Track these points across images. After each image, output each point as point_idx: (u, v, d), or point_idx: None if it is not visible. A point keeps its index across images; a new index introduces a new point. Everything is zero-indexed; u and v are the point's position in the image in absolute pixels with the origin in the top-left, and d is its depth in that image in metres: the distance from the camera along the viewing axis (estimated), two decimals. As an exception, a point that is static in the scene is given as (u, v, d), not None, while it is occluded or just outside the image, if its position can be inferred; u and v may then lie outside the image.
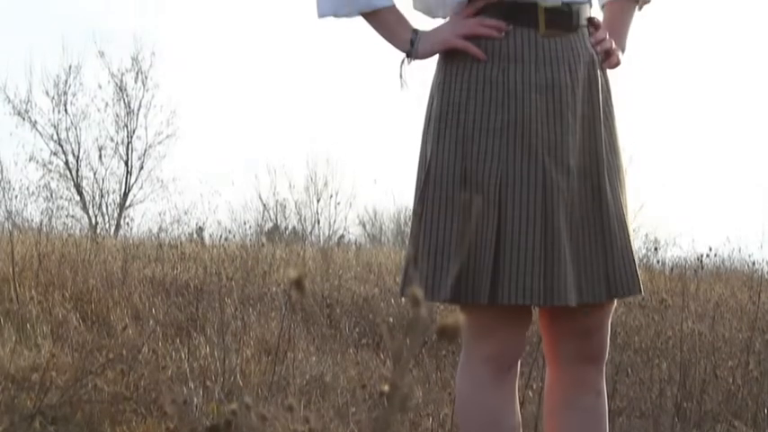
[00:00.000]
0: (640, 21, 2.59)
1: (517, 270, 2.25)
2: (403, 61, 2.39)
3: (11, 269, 6.14)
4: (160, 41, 26.42)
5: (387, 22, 2.38)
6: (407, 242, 2.42)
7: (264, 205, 26.74)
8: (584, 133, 2.34)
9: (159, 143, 25.71)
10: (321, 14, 2.40)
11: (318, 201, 27.15)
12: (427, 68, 2.42)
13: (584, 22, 2.40)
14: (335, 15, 2.39)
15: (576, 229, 2.30)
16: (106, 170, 25.60)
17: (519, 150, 2.28)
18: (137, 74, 25.60)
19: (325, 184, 27.26)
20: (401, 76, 2.40)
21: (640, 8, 2.60)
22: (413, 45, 2.37)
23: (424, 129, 2.40)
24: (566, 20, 2.37)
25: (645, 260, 10.59)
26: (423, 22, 2.42)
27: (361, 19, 2.39)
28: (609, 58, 2.45)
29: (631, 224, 2.44)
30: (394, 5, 2.38)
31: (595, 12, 2.49)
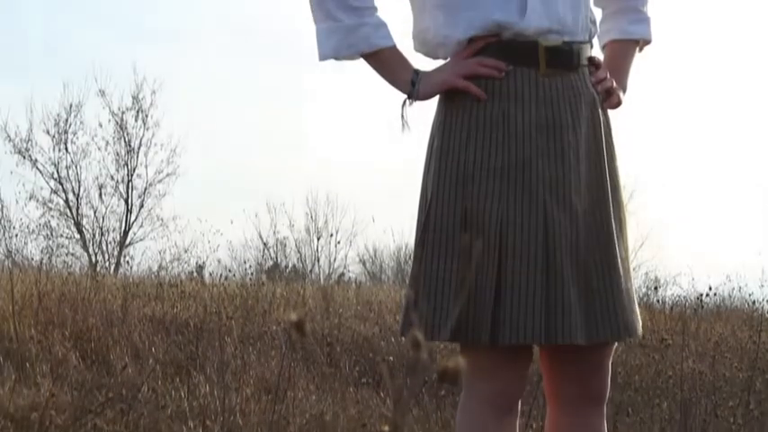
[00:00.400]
0: (641, 61, 2.61)
1: (518, 310, 2.25)
2: (404, 102, 2.40)
3: (11, 308, 6.13)
4: (161, 79, 26.49)
5: (388, 63, 2.39)
6: (408, 281, 2.42)
7: (265, 244, 26.74)
8: (589, 172, 2.34)
9: (159, 181, 25.75)
10: (322, 57, 2.41)
11: (318, 239, 27.15)
12: (428, 108, 2.44)
13: (584, 61, 2.41)
14: (336, 58, 2.40)
15: (581, 268, 2.30)
16: (106, 208, 25.62)
17: (520, 190, 2.28)
18: (137, 112, 25.67)
19: (326, 223, 27.28)
20: (403, 117, 2.41)
21: (641, 50, 2.62)
22: (414, 86, 2.38)
23: (425, 169, 2.41)
24: (566, 59, 2.38)
25: (645, 299, 10.58)
26: (424, 64, 2.44)
27: (362, 61, 2.40)
28: (610, 98, 2.46)
29: (631, 263, 2.45)
30: (395, 46, 2.39)
31: (596, 51, 2.51)
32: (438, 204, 2.33)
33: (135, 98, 25.71)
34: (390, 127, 2.43)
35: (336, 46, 2.37)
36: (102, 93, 25.61)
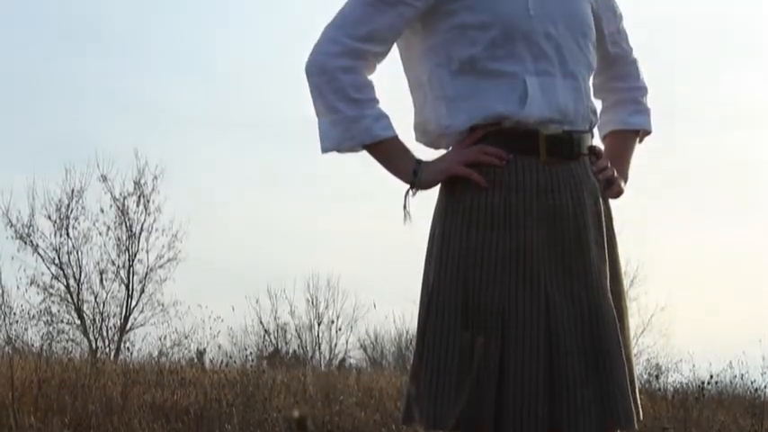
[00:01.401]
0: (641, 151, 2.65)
1: (522, 399, 2.25)
2: (407, 193, 2.41)
3: (10, 395, 6.10)
4: (163, 165, 26.58)
5: (390, 154, 2.41)
6: (410, 368, 2.42)
7: (265, 330, 26.65)
8: (592, 260, 2.36)
9: (160, 267, 25.72)
10: (325, 149, 2.42)
11: (319, 324, 27.08)
12: (431, 195, 2.45)
13: (585, 150, 2.44)
14: (339, 150, 2.41)
15: (584, 355, 2.31)
16: (107, 294, 25.57)
17: (521, 279, 2.29)
18: (139, 198, 25.72)
19: (326, 308, 27.21)
20: (405, 207, 2.42)
21: (641, 140, 2.66)
22: (416, 175, 2.39)
23: (427, 256, 2.42)
24: (567, 148, 2.40)
25: (647, 386, 10.52)
26: (426, 154, 2.46)
27: (364, 152, 2.42)
28: (611, 187, 2.48)
29: (633, 349, 2.45)
30: (396, 137, 2.41)
31: (596, 141, 2.53)
32: (440, 291, 2.34)
33: (137, 183, 25.79)
34: (394, 214, 2.45)
35: (338, 138, 2.39)
36: (104, 178, 25.70)
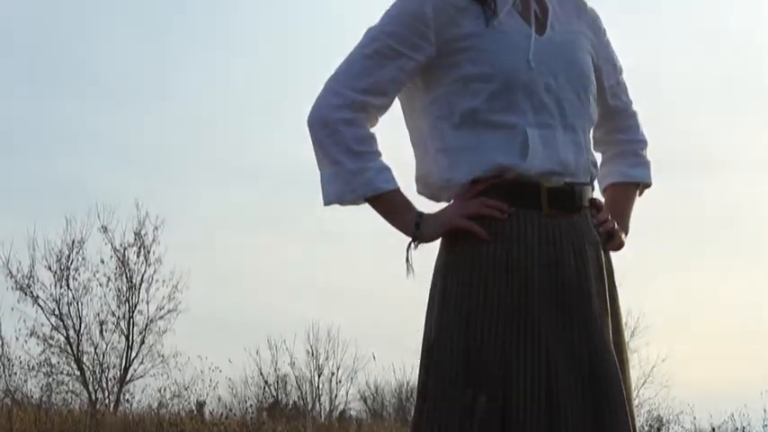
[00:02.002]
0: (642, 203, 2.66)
1: None
2: (409, 246, 2.42)
3: (10, 447, 6.08)
4: (164, 215, 26.58)
5: (392, 207, 2.41)
6: (410, 422, 2.41)
7: (266, 381, 26.54)
8: (595, 311, 2.36)
9: (161, 318, 25.64)
10: (327, 202, 2.43)
11: (320, 375, 26.97)
12: (432, 248, 2.46)
13: (586, 203, 2.44)
14: (341, 202, 2.42)
15: (585, 409, 2.30)
16: (107, 345, 25.46)
17: (522, 332, 2.29)
18: (139, 249, 25.69)
19: (327, 359, 27.12)
20: (407, 260, 2.43)
21: (641, 193, 2.67)
22: (418, 228, 2.40)
23: (428, 309, 2.42)
24: (568, 200, 2.41)
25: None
26: (427, 206, 2.46)
27: (366, 205, 2.42)
28: (612, 240, 2.49)
29: (634, 400, 2.45)
30: (398, 189, 2.41)
31: (597, 194, 2.53)
32: (441, 346, 2.34)
33: (137, 234, 25.76)
34: (395, 265, 2.46)
35: (340, 191, 2.40)
36: (105, 229, 25.66)
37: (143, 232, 25.87)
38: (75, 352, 25.43)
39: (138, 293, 25.75)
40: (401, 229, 2.42)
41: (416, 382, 2.40)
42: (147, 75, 33.24)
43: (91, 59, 32.47)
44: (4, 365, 23.96)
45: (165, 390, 23.44)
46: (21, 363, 24.27)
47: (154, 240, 25.87)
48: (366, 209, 2.44)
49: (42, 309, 25.33)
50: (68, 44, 32.72)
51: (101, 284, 25.63)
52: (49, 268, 25.41)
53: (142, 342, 25.69)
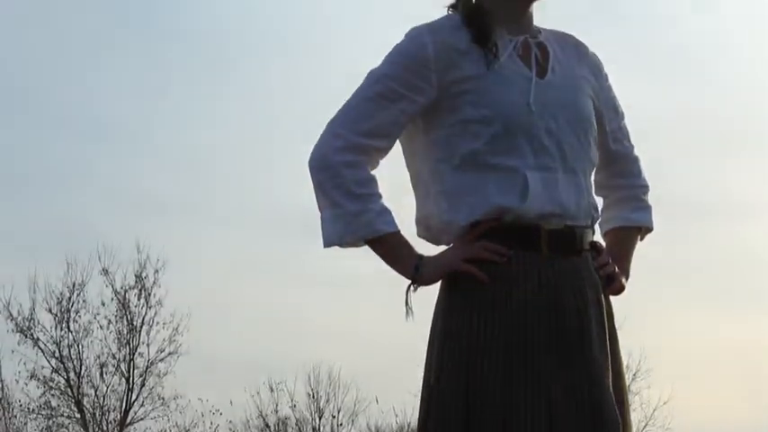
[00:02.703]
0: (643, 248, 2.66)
1: None
2: (409, 288, 2.42)
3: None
4: (165, 257, 26.56)
5: (392, 249, 2.42)
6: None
7: (266, 423, 26.44)
8: (595, 354, 2.35)
9: (161, 360, 25.60)
10: (327, 244, 2.43)
11: (320, 418, 26.86)
12: (433, 290, 2.46)
13: (586, 246, 2.44)
14: (341, 244, 2.42)
15: None
16: (107, 387, 25.41)
17: (523, 374, 2.28)
18: (140, 291, 25.67)
19: (327, 401, 27.02)
20: (407, 303, 2.43)
21: (642, 238, 2.67)
22: (418, 271, 2.40)
23: (429, 351, 2.41)
24: (568, 243, 2.41)
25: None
26: (427, 249, 2.46)
27: (366, 247, 2.43)
28: (612, 284, 2.49)
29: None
30: (398, 231, 2.41)
31: (597, 237, 2.53)
32: (441, 389, 2.33)
33: (138, 277, 25.76)
34: (395, 307, 2.46)
35: (340, 232, 2.40)
36: (106, 271, 25.67)
37: (144, 275, 25.87)
38: (75, 394, 25.35)
39: (139, 336, 25.72)
40: (401, 272, 2.42)
41: (417, 424, 2.40)
42: (149, 118, 33.34)
43: (93, 103, 32.59)
44: (4, 408, 23.90)
45: (165, 433, 23.36)
46: (21, 405, 24.24)
47: (155, 283, 25.87)
48: (366, 251, 2.44)
49: (43, 351, 25.29)
50: (70, 87, 32.85)
51: (101, 327, 25.61)
52: (50, 311, 25.40)
53: (143, 384, 25.63)
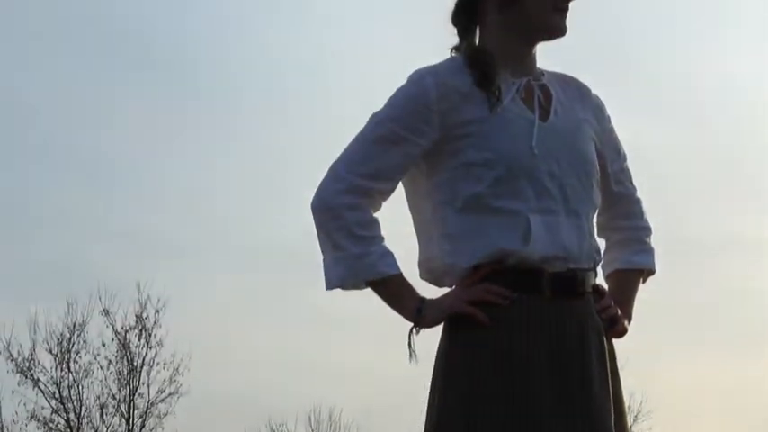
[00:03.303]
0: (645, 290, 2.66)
1: None
2: (411, 330, 2.41)
3: None
4: (165, 297, 26.55)
5: (394, 292, 2.42)
6: None
7: (267, 465, 26.30)
8: (597, 397, 2.35)
9: (161, 401, 25.52)
10: (329, 286, 2.43)
11: (321, 460, 26.73)
12: (435, 332, 2.45)
13: (589, 288, 2.44)
14: (343, 287, 2.42)
15: None
16: (107, 428, 25.31)
17: (524, 418, 2.28)
18: (140, 331, 25.63)
19: (328, 443, 26.89)
20: (410, 345, 2.42)
21: (644, 280, 2.66)
22: (420, 313, 2.40)
23: (431, 394, 2.40)
24: (571, 286, 2.40)
25: None
26: (430, 291, 2.46)
27: (369, 290, 2.43)
28: (615, 326, 2.48)
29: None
30: (401, 274, 2.41)
31: (600, 280, 2.53)
32: (443, 429, 2.33)
33: (138, 317, 25.73)
34: (397, 348, 2.45)
35: (343, 275, 2.40)
36: (106, 312, 25.64)
37: (145, 315, 25.84)
38: (75, 435, 25.21)
39: (139, 376, 25.66)
40: (403, 314, 2.42)
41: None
42: (151, 159, 33.41)
43: (95, 144, 32.67)
44: (3, 450, 23.76)
45: (165, 475, 23.25)
46: (20, 446, 24.08)
47: (155, 323, 25.84)
48: (369, 292, 2.44)
49: (43, 392, 25.22)
50: (70, 129, 32.92)
51: (102, 367, 25.55)
52: (50, 351, 25.35)
53: (143, 425, 25.54)
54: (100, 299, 25.81)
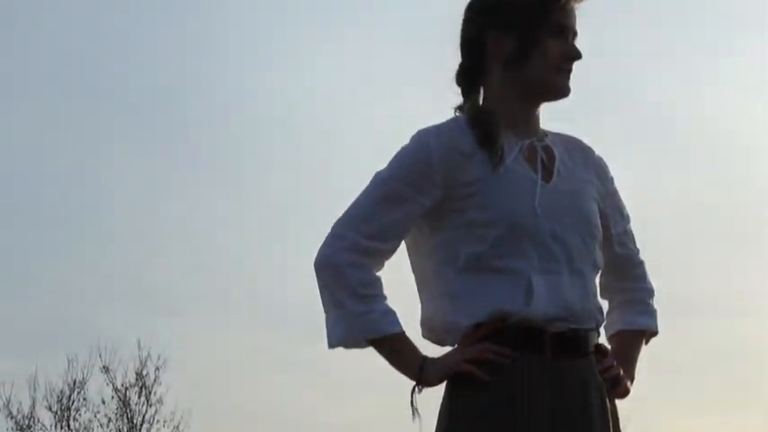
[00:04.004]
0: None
1: None
2: (414, 389, 2.41)
3: None
4: (165, 355, 26.48)
5: (396, 350, 2.41)
6: None
7: None
8: None
9: (161, 459, 25.36)
10: (331, 345, 2.43)
11: None
12: (438, 391, 2.45)
13: (591, 348, 2.44)
14: (345, 346, 2.43)
15: None
16: (106, 488, 25.14)
17: None
18: (141, 389, 25.54)
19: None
20: (412, 404, 2.41)
21: (647, 342, 2.66)
22: (422, 372, 2.39)
23: (433, 456, 2.41)
24: (573, 346, 2.40)
25: None
26: (432, 350, 2.46)
27: (371, 348, 2.42)
28: (617, 387, 2.48)
29: None
30: (402, 333, 2.41)
31: (602, 340, 2.53)
32: None
33: (138, 375, 25.64)
34: (399, 407, 2.45)
35: (345, 334, 2.40)
36: (106, 369, 25.55)
37: (145, 372, 25.76)
38: (73, 495, 25.07)
39: (139, 434, 25.49)
40: (405, 373, 2.42)
41: None
42: (152, 215, 33.43)
43: (94, 200, 32.70)
44: None
45: None
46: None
47: (156, 380, 25.75)
48: (371, 351, 2.44)
49: (42, 450, 25.06)
50: (68, 186, 33.00)
51: (101, 425, 25.43)
52: (50, 408, 25.24)
53: (142, 485, 25.35)
54: (100, 356, 25.74)
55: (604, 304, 2.60)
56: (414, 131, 2.48)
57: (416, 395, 2.41)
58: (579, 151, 2.58)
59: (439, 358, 2.42)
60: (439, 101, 2.59)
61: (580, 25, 2.51)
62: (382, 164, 2.48)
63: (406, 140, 2.48)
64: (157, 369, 25.80)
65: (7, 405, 24.90)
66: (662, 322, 2.67)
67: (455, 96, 2.55)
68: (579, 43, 2.51)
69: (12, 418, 24.88)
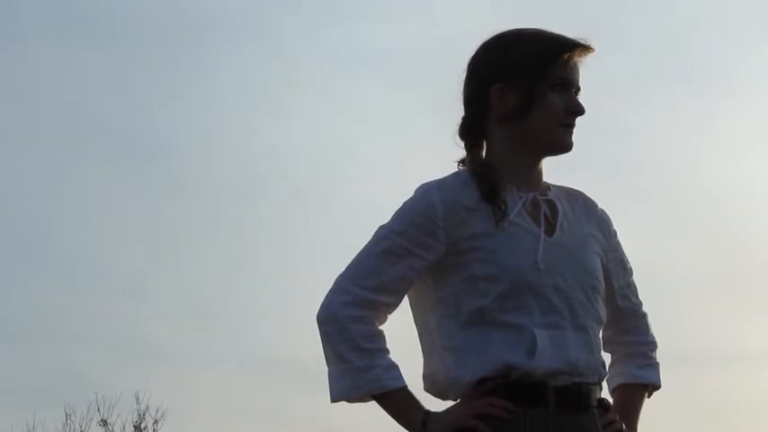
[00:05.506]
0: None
1: None
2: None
3: None
4: (164, 407, 26.35)
5: (398, 405, 2.41)
6: None
7: None
8: None
9: None
10: (334, 399, 2.43)
11: None
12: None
13: (594, 402, 2.44)
14: (348, 400, 2.42)
15: None
16: None
17: None
18: (139, 442, 25.41)
19: None
20: None
21: (649, 395, 2.65)
22: (425, 427, 2.38)
23: None
24: (576, 400, 2.40)
25: None
26: (434, 404, 2.45)
27: (373, 402, 2.42)
28: (619, 441, 2.47)
29: None
30: (405, 387, 2.41)
31: (605, 394, 2.53)
32: None
33: (137, 427, 25.51)
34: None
35: (348, 388, 2.40)
36: (105, 422, 25.40)
37: (143, 425, 25.64)
38: None
39: (138, 488, 25.35)
40: (408, 428, 2.41)
41: None
42: (147, 265, 33.41)
43: (89, 251, 32.69)
44: None
45: None
46: None
47: (154, 433, 25.60)
48: (374, 405, 2.43)
49: (39, 503, 24.91)
50: (63, 234, 32.99)
51: (99, 480, 25.26)
52: (49, 462, 25.08)
53: None
54: (98, 409, 25.62)
55: (607, 357, 2.60)
56: (417, 185, 2.49)
57: None
58: (582, 205, 2.58)
59: (441, 413, 2.42)
60: (442, 154, 2.59)
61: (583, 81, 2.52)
62: (386, 217, 2.48)
63: (408, 195, 2.49)
64: (156, 422, 25.66)
65: (5, 458, 24.74)
66: (664, 376, 2.67)
67: (459, 150, 2.56)
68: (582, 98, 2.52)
69: (10, 472, 24.70)
